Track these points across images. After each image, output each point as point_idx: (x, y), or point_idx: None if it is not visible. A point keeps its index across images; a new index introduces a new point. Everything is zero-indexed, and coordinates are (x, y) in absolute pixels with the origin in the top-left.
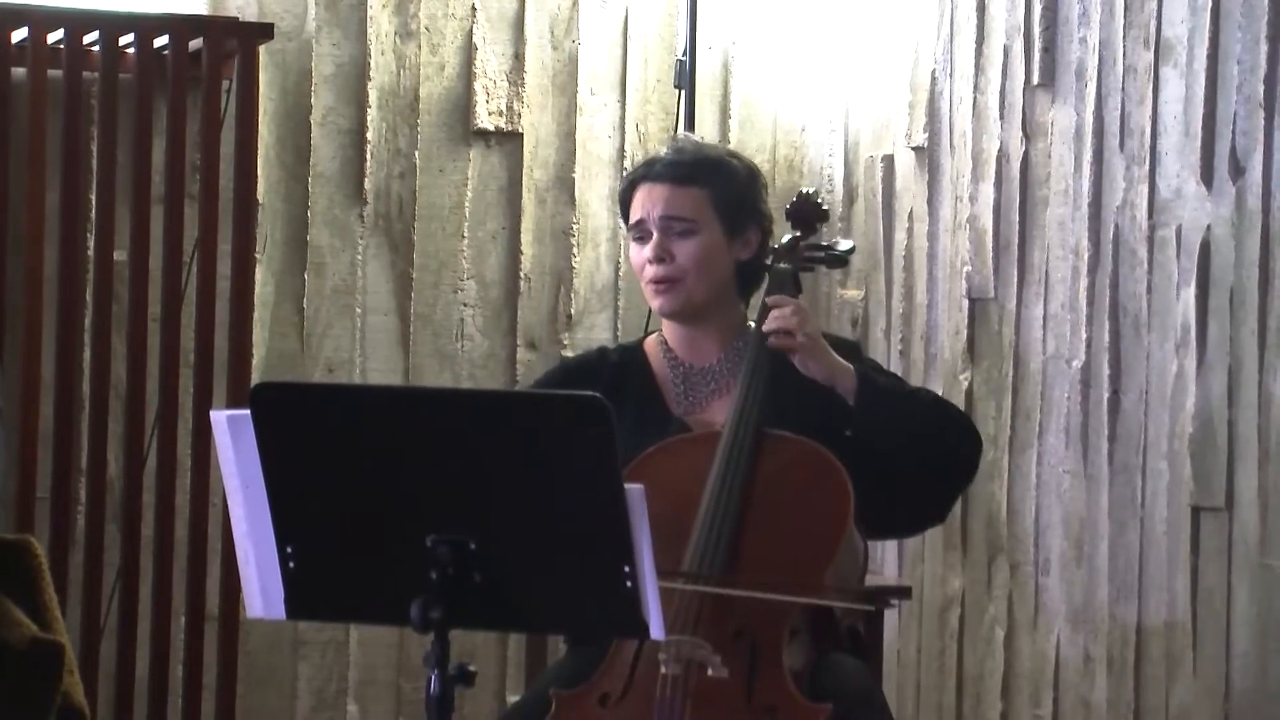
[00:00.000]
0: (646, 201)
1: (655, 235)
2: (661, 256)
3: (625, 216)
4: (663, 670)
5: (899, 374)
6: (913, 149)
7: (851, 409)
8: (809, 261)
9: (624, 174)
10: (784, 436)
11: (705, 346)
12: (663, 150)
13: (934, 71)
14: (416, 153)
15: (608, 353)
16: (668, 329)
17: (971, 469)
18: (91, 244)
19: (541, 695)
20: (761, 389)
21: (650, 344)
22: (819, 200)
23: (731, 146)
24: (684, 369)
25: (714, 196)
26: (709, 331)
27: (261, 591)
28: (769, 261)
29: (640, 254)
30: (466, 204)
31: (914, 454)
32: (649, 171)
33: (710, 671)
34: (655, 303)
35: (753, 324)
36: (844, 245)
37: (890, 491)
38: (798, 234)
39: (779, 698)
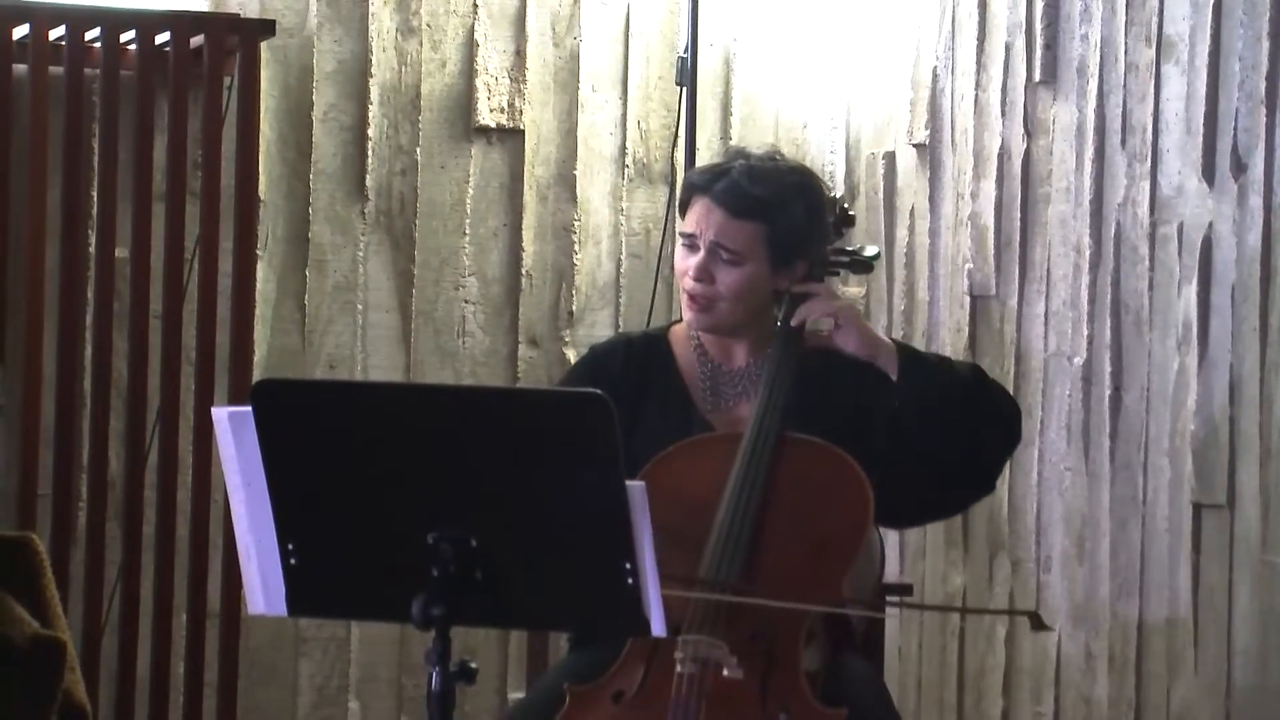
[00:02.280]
0: (702, 220)
1: (702, 253)
2: (702, 277)
3: (682, 212)
4: (678, 669)
5: None
6: (914, 146)
7: (894, 383)
8: (834, 266)
9: (624, 168)
10: (805, 440)
11: (735, 352)
12: (736, 163)
13: (935, 68)
14: (418, 149)
15: (633, 343)
16: None
17: (1017, 434)
18: (93, 241)
19: (554, 689)
20: (785, 391)
21: (677, 335)
22: (846, 205)
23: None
24: (712, 367)
25: (768, 234)
26: (740, 340)
27: (263, 588)
28: None
29: (684, 260)
30: (468, 201)
31: (961, 423)
32: (712, 188)
33: (725, 672)
34: (687, 315)
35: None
36: (869, 251)
37: (934, 470)
38: None
39: (793, 700)
